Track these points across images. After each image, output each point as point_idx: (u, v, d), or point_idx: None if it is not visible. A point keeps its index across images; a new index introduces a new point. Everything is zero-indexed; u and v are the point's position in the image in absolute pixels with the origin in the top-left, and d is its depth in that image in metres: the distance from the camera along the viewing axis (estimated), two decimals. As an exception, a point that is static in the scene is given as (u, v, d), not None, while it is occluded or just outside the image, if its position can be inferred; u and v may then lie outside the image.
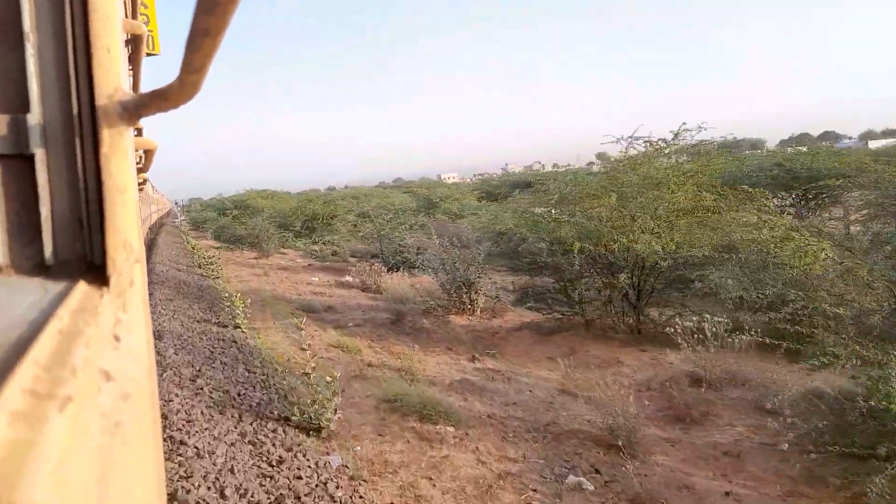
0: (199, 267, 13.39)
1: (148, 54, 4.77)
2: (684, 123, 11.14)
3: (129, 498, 0.38)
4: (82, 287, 0.57)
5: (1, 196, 0.59)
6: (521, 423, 5.71)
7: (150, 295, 7.51)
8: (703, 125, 10.98)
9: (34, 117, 0.59)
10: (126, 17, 1.56)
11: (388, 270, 14.92)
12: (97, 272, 0.62)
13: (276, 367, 6.05)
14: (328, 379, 4.67)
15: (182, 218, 48.18)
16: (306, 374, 4.80)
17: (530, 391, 6.90)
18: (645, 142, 11.37)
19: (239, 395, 4.75)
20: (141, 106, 0.68)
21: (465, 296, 10.92)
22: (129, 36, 1.43)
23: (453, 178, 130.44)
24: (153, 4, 6.44)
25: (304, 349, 5.14)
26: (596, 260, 9.64)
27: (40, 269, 0.61)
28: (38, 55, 0.59)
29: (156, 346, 4.83)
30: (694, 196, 9.35)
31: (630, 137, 11.33)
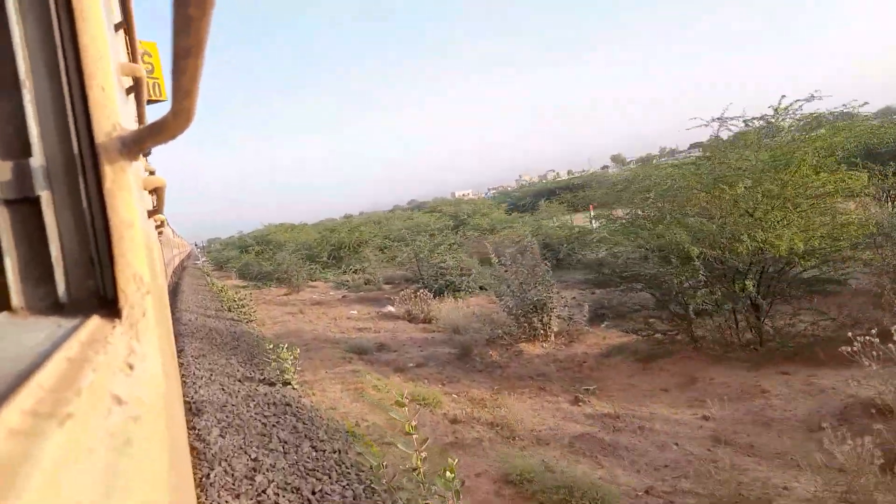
0: (230, 310, 12.63)
1: (155, 101, 4.86)
2: (784, 96, 10.10)
3: None
4: (95, 321, 0.58)
5: (10, 240, 0.61)
6: (699, 502, 4.42)
7: (180, 351, 6.96)
8: (817, 93, 9.72)
9: (36, 160, 0.61)
10: (127, 61, 1.59)
11: (432, 296, 14.32)
12: (109, 306, 0.63)
13: (348, 435, 5.02)
14: (447, 474, 3.35)
15: (203, 259, 49.06)
16: (414, 470, 3.65)
17: (675, 444, 5.60)
18: (744, 121, 10.28)
19: (314, 493, 3.70)
20: (140, 140, 0.71)
21: (536, 320, 9.79)
22: (131, 79, 1.46)
23: (468, 194, 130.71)
24: (157, 53, 6.62)
25: (409, 432, 3.76)
26: (715, 266, 8.26)
27: (55, 308, 0.62)
28: (36, 99, 0.62)
29: (196, 426, 4.44)
30: (838, 177, 8.11)
31: (721, 118, 10.20)
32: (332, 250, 27.75)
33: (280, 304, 17.23)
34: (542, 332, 9.75)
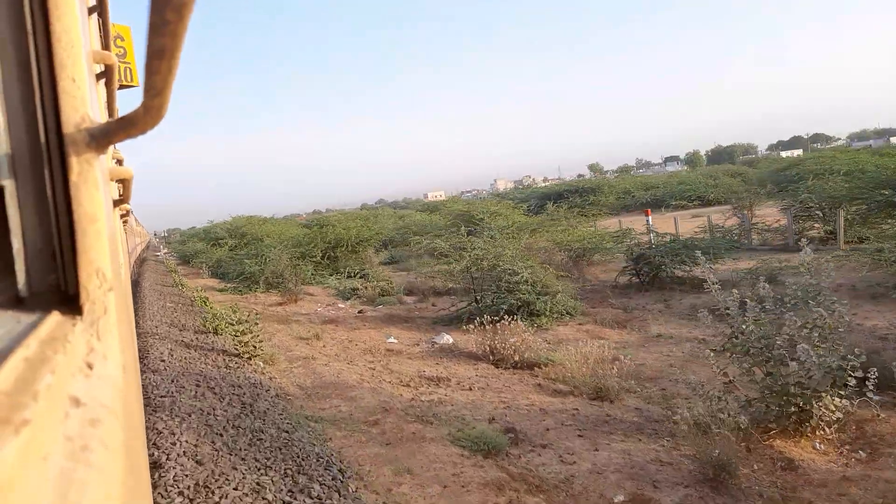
0: (215, 333, 9.16)
1: (127, 86, 4.78)
2: None
3: None
4: (55, 317, 0.57)
5: (-28, 230, 0.59)
6: None
7: (158, 433, 4.17)
8: None
9: (1, 148, 0.59)
10: (99, 48, 1.56)
11: (493, 319, 9.80)
12: (70, 302, 0.62)
13: None
14: None
15: (165, 251, 43.88)
16: None
17: None
18: None
19: None
20: (109, 134, 0.70)
21: (810, 403, 5.57)
22: (103, 67, 1.43)
23: (440, 195, 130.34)
24: (130, 37, 6.46)
25: None
26: None
27: (14, 302, 0.61)
28: (3, 86, 0.60)
29: None
30: None
31: None
32: (326, 248, 23.41)
33: (279, 319, 12.98)
34: (816, 421, 5.58)
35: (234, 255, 25.22)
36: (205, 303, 12.52)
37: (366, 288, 17.39)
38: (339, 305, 15.76)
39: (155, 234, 68.45)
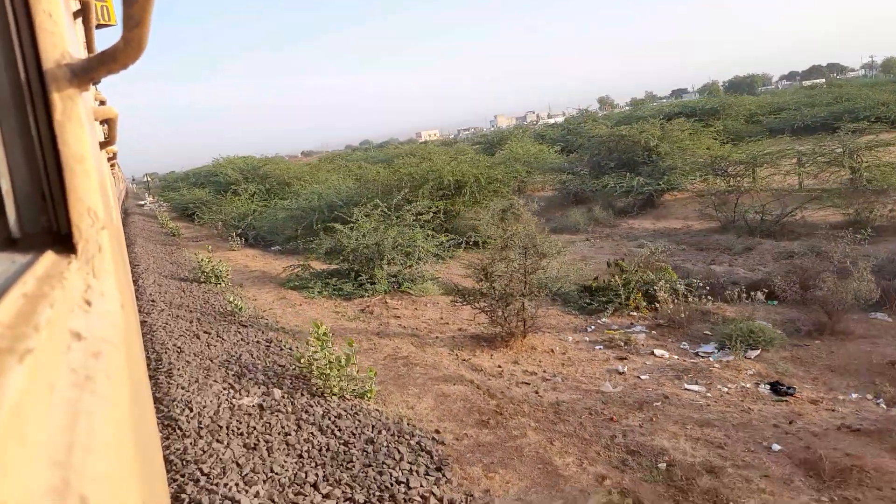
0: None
1: (104, 25, 4.65)
2: None
3: (98, 443, 0.40)
4: (50, 256, 0.57)
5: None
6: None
7: None
8: None
9: (-19, 88, 0.58)
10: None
11: None
12: (64, 242, 0.62)
13: None
14: None
15: (150, 200, 35.43)
16: None
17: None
18: None
19: None
20: (89, 69, 0.68)
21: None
22: (79, 5, 1.39)
23: (434, 134, 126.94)
24: (106, -27, 6.18)
25: None
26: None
27: (7, 244, 0.61)
28: (-22, 23, 0.58)
29: None
30: None
31: None
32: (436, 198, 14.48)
33: (445, 378, 6.25)
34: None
35: (268, 207, 18.47)
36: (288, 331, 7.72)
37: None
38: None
39: (133, 180, 58.25)
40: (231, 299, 8.63)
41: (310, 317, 8.50)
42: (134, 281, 7.68)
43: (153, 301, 8.75)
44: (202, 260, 10.63)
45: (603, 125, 25.73)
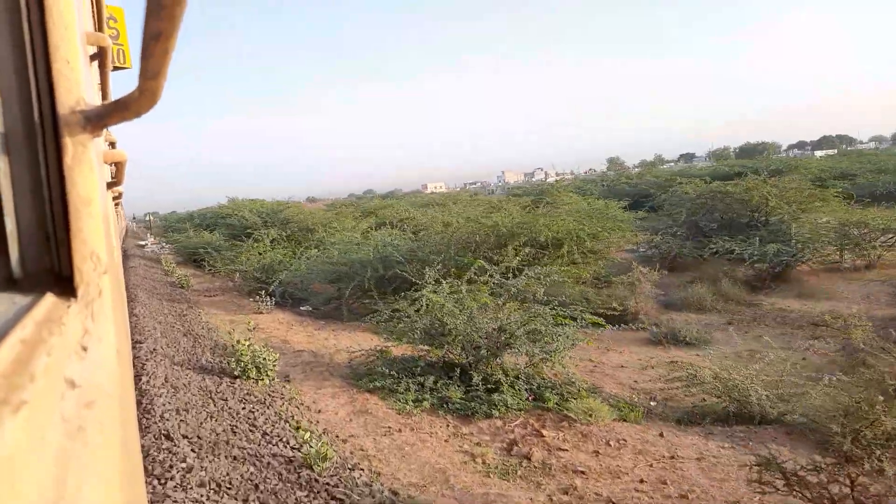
0: None
1: (119, 68, 4.75)
2: None
3: (88, 497, 0.39)
4: (49, 299, 0.57)
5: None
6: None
7: None
8: None
9: (-3, 129, 0.59)
10: (92, 29, 1.55)
11: None
12: (65, 284, 0.62)
13: None
14: None
15: (152, 241, 30.98)
16: None
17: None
18: None
19: None
20: (103, 116, 0.70)
21: None
22: (96, 49, 1.42)
23: (440, 187, 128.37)
24: (123, 18, 6.40)
25: None
26: None
27: (8, 283, 0.61)
28: (-2, 68, 0.59)
29: None
30: None
31: None
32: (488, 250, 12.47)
33: None
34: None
35: (296, 257, 15.35)
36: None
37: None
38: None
39: (134, 219, 55.76)
40: (303, 434, 5.40)
41: (425, 461, 5.38)
42: (136, 376, 5.82)
43: (168, 435, 4.70)
44: (238, 343, 7.32)
45: (699, 181, 21.25)
